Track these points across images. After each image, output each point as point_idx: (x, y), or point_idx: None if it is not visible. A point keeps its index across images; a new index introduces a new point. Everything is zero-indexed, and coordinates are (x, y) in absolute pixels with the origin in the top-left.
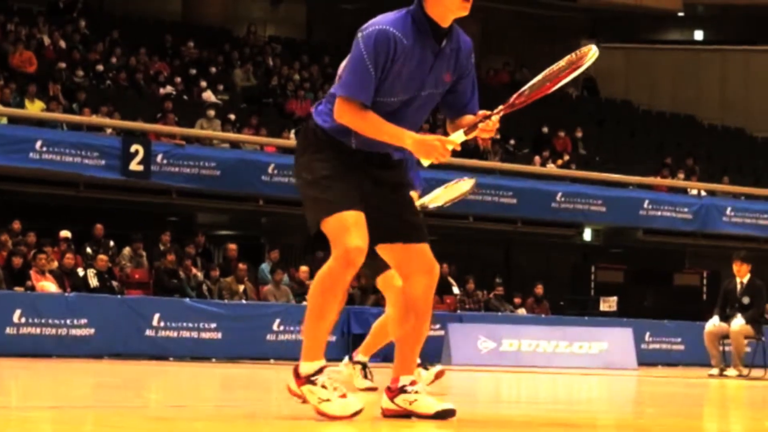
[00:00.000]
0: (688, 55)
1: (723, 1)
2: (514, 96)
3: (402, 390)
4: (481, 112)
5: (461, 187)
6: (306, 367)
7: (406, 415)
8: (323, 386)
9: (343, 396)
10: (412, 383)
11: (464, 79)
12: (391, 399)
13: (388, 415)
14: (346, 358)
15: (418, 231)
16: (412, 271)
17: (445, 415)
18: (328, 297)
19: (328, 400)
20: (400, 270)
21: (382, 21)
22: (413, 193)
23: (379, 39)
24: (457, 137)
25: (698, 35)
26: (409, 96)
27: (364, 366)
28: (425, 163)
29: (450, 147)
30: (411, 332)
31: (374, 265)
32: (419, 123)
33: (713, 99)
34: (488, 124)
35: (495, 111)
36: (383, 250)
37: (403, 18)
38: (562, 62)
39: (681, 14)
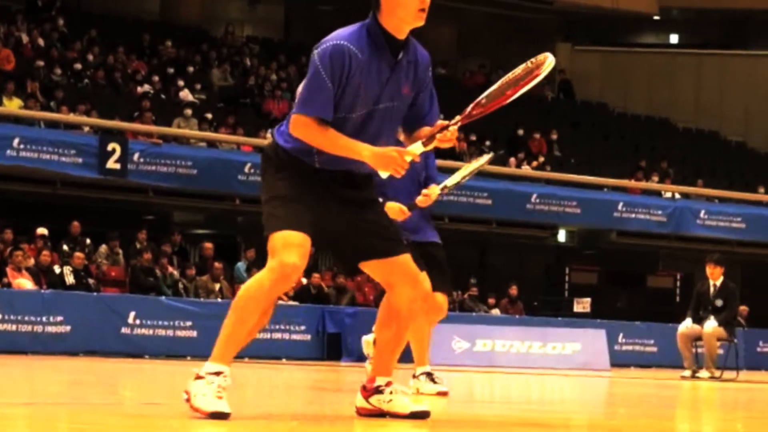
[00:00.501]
0: (664, 58)
1: (699, 5)
2: (472, 106)
3: (377, 390)
4: (439, 123)
5: (478, 161)
6: (208, 366)
7: (379, 414)
8: (207, 383)
9: (220, 398)
10: (388, 384)
11: (423, 93)
12: (366, 398)
13: (362, 413)
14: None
15: (396, 244)
16: (396, 282)
17: (420, 415)
18: (253, 307)
19: (203, 395)
20: (383, 282)
21: (337, 36)
22: (434, 186)
23: (334, 54)
24: (416, 148)
25: (674, 39)
26: (368, 110)
27: (429, 374)
28: (383, 174)
29: (408, 158)
30: (392, 339)
31: None
32: (387, 136)
33: (688, 102)
34: (446, 135)
35: (452, 122)
36: (367, 267)
37: (358, 32)
38: (518, 70)
39: (657, 18)
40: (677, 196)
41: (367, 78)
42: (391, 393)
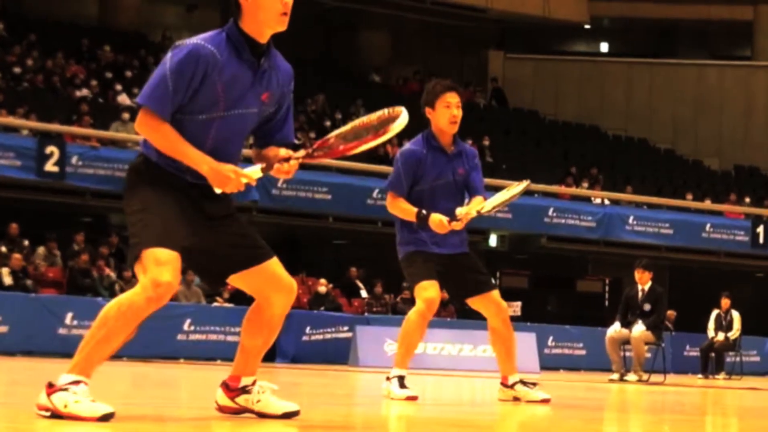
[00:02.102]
0: (594, 66)
1: (628, 14)
2: (318, 143)
3: (244, 390)
4: (284, 152)
5: (513, 190)
6: (65, 378)
7: (242, 412)
8: (74, 393)
9: (93, 401)
10: (254, 383)
11: (282, 107)
12: (232, 398)
13: (226, 412)
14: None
15: (261, 251)
16: (270, 291)
17: (291, 415)
18: (123, 325)
19: (77, 402)
20: (257, 292)
21: (196, 37)
22: (476, 200)
23: (190, 54)
24: (254, 173)
25: (604, 47)
26: (229, 114)
27: (402, 378)
28: (217, 190)
29: (244, 180)
30: (262, 345)
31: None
32: (237, 142)
33: (617, 110)
34: (283, 166)
35: (295, 156)
36: (237, 280)
37: (218, 35)
38: (373, 117)
39: (587, 26)
40: (606, 202)
41: (227, 81)
42: (259, 393)
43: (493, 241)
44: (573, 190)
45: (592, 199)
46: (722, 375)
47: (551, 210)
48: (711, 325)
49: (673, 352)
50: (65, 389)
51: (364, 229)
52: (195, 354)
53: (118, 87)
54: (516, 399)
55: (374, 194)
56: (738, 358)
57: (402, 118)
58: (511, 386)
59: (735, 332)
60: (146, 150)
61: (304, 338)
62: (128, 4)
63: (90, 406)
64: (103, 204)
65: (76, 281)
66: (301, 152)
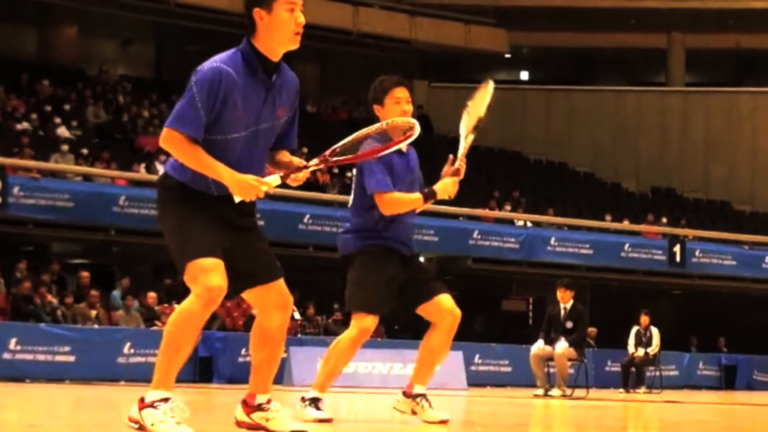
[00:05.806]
0: (515, 94)
1: (547, 43)
2: (328, 152)
3: (259, 407)
4: (297, 161)
5: (484, 97)
6: (153, 395)
7: (256, 428)
8: (163, 412)
9: (179, 423)
10: (269, 401)
11: (290, 116)
12: (248, 414)
13: (242, 427)
14: (401, 395)
15: (277, 269)
16: (270, 306)
17: None
18: (187, 333)
19: (162, 422)
20: (258, 305)
21: (215, 60)
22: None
23: (213, 77)
24: (273, 180)
25: (524, 75)
26: (249, 131)
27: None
28: (237, 199)
29: (264, 188)
30: (268, 359)
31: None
32: (263, 158)
33: (538, 136)
34: (298, 175)
35: (310, 164)
36: (248, 294)
37: (234, 55)
38: (373, 127)
39: (508, 56)
40: (529, 224)
41: (245, 100)
42: (272, 411)
43: None
44: (496, 213)
45: (515, 221)
46: (642, 389)
47: (476, 232)
48: (631, 341)
49: (595, 368)
50: (154, 406)
51: (296, 254)
52: (135, 376)
53: (57, 120)
54: (414, 413)
55: (306, 219)
56: (657, 373)
57: (416, 128)
58: (414, 397)
59: (654, 348)
60: (172, 171)
61: (240, 359)
62: (66, 40)
63: (173, 428)
64: (45, 233)
65: (20, 308)
66: (315, 161)
